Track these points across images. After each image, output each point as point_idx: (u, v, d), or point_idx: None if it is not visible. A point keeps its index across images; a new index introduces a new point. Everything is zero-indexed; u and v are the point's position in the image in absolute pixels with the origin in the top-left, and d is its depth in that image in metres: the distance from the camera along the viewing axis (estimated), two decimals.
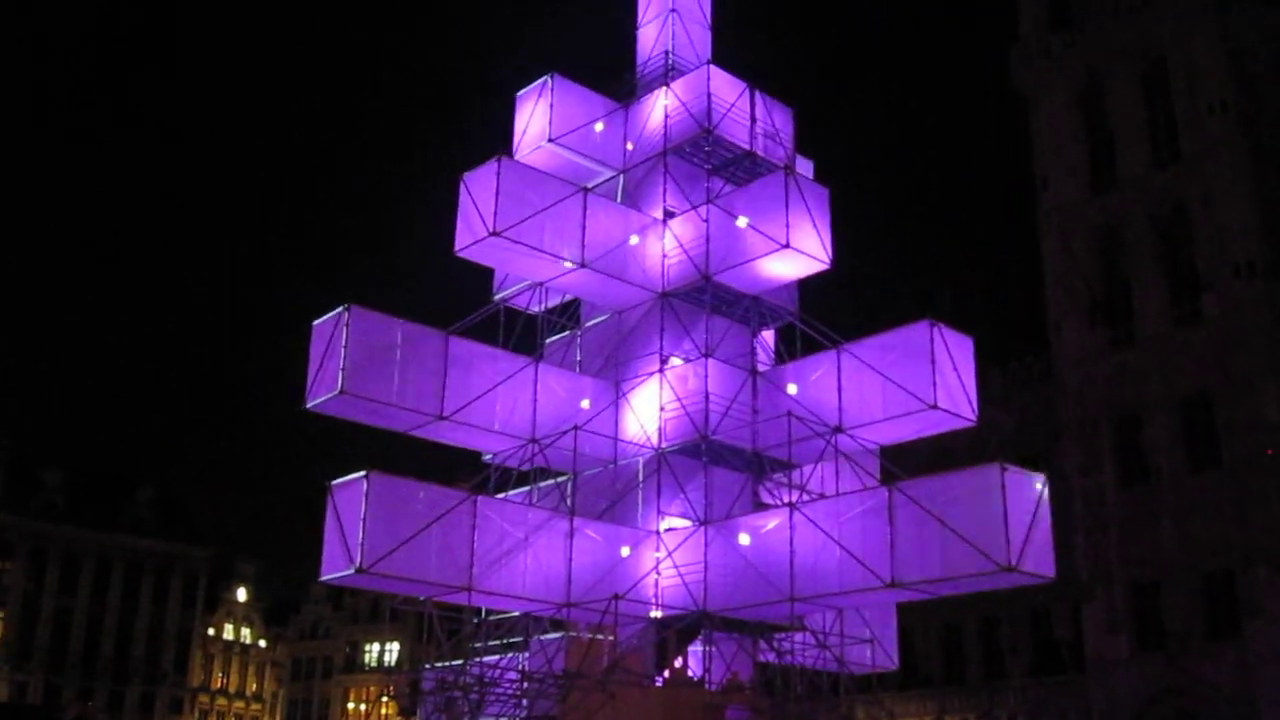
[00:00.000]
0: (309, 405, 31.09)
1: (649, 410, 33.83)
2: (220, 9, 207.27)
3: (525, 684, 30.38)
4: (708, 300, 34.64)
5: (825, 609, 32.17)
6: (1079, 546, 56.27)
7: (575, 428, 32.73)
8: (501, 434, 33.20)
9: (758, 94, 36.91)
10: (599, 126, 37.54)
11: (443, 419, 31.73)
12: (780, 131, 37.35)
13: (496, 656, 33.39)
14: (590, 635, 30.85)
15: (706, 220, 34.43)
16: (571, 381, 34.91)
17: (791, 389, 33.66)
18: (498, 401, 32.75)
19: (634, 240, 34.98)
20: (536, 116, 36.95)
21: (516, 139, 37.58)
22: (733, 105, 36.12)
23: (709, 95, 35.73)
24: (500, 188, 31.86)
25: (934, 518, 27.70)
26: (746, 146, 36.28)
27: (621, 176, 37.60)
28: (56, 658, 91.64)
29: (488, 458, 35.14)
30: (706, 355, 33.60)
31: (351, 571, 27.79)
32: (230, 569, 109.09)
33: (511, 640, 33.94)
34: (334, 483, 28.81)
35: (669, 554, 32.13)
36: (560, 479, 34.66)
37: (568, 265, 33.08)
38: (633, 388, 34.50)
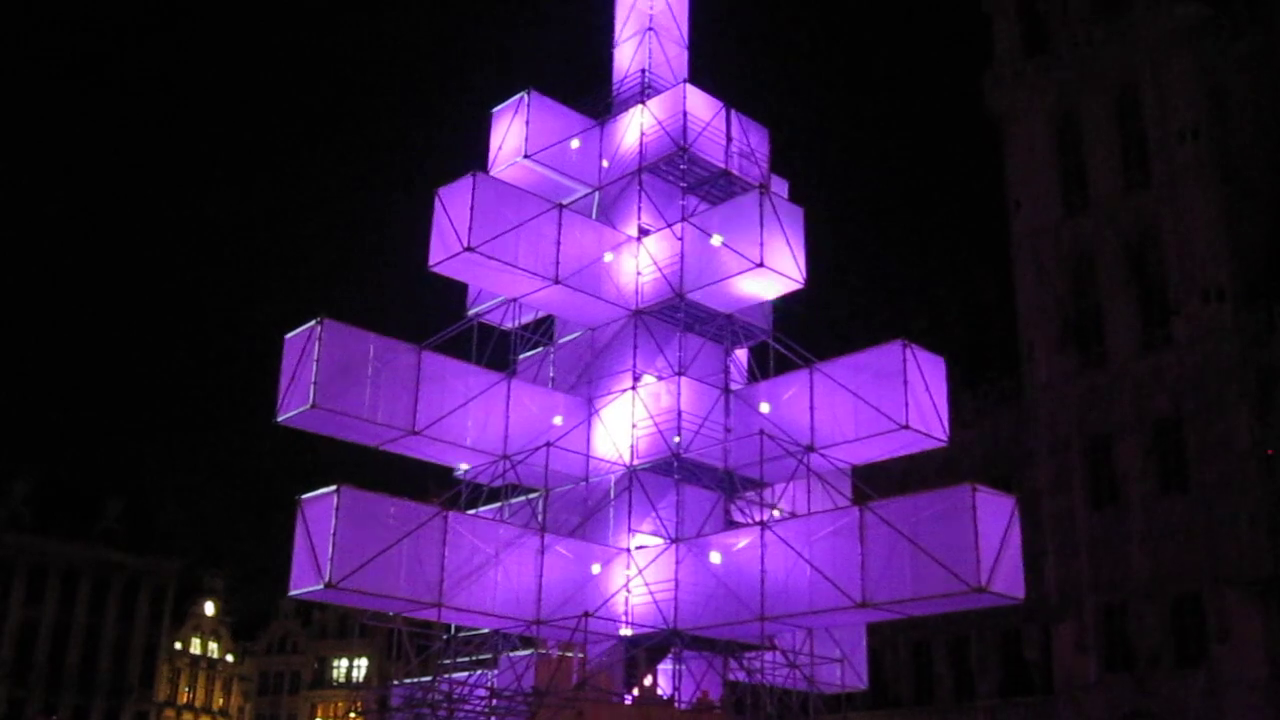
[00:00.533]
0: (280, 419, 30.96)
1: (621, 427, 33.83)
2: (201, 21, 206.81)
3: (494, 701, 30.28)
4: (681, 318, 34.69)
5: (795, 628, 32.17)
6: (1049, 568, 56.49)
7: (547, 444, 32.69)
8: (473, 450, 33.13)
9: (733, 113, 37.06)
10: (575, 143, 37.59)
11: (415, 434, 31.64)
12: (755, 151, 37.50)
13: (466, 673, 33.28)
14: (560, 653, 30.78)
15: (681, 238, 34.50)
16: (544, 398, 34.87)
17: (764, 408, 33.71)
18: (470, 417, 32.69)
19: (608, 257, 35.01)
20: (512, 132, 36.99)
21: (492, 154, 37.60)
22: (708, 124, 36.24)
23: (685, 114, 35.86)
24: (475, 203, 31.86)
25: (905, 538, 27.74)
26: (722, 165, 36.40)
27: (597, 194, 37.67)
28: (21, 670, 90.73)
29: (459, 473, 35.06)
30: (679, 373, 33.63)
31: (320, 587, 27.64)
32: (198, 582, 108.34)
33: (481, 657, 33.82)
34: (304, 497, 28.67)
35: (639, 572, 32.10)
36: (532, 495, 34.58)
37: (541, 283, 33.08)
38: (605, 405, 34.49)
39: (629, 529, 32.96)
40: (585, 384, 35.43)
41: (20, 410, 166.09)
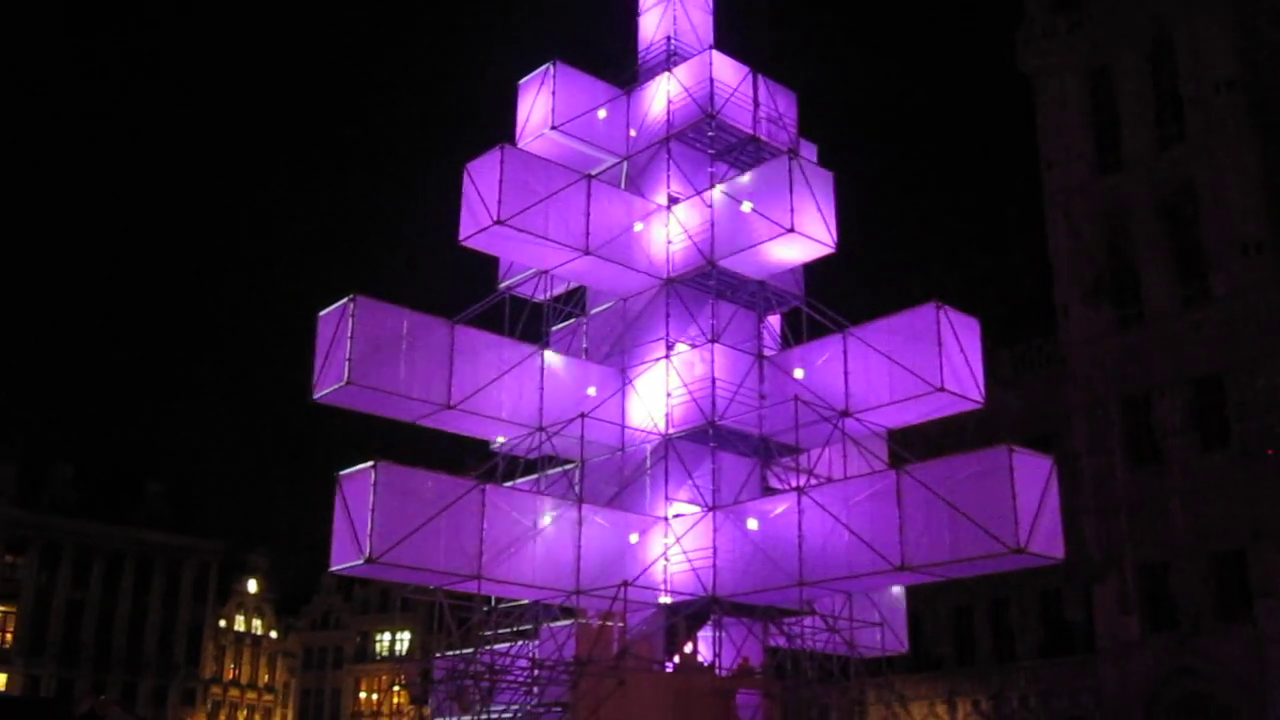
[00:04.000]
0: (316, 396, 31.12)
1: (656, 397, 33.84)
2: None
3: (536, 671, 30.44)
4: (713, 286, 34.61)
5: (834, 593, 32.20)
6: (1088, 528, 56.22)
7: (582, 415, 32.74)
8: (509, 422, 33.20)
9: (760, 78, 36.84)
10: (602, 113, 37.47)
11: (450, 408, 31.74)
12: (783, 115, 37.30)
13: (507, 644, 33.45)
14: (600, 622, 30.90)
15: (711, 205, 34.40)
16: (578, 369, 34.90)
17: (798, 373, 33.63)
18: (504, 390, 32.76)
19: (638, 227, 34.95)
20: (539, 104, 36.91)
21: (519, 127, 37.56)
22: (735, 90, 36.05)
23: (711, 80, 35.67)
24: (504, 176, 31.82)
25: (943, 500, 27.68)
26: (750, 131, 36.23)
27: (625, 163, 37.56)
28: (69, 651, 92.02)
29: (495, 446, 35.18)
30: (712, 341, 33.59)
31: (361, 562, 27.84)
32: (241, 561, 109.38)
33: (521, 628, 34.00)
34: (342, 473, 28.85)
35: (677, 540, 32.17)
36: (568, 466, 34.70)
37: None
38: (639, 374, 34.51)
39: (666, 497, 33.02)
40: (618, 354, 35.45)
41: (60, 395, 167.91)
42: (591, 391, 34.07)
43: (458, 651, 33.42)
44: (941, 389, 30.93)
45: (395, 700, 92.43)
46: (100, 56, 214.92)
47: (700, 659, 32.33)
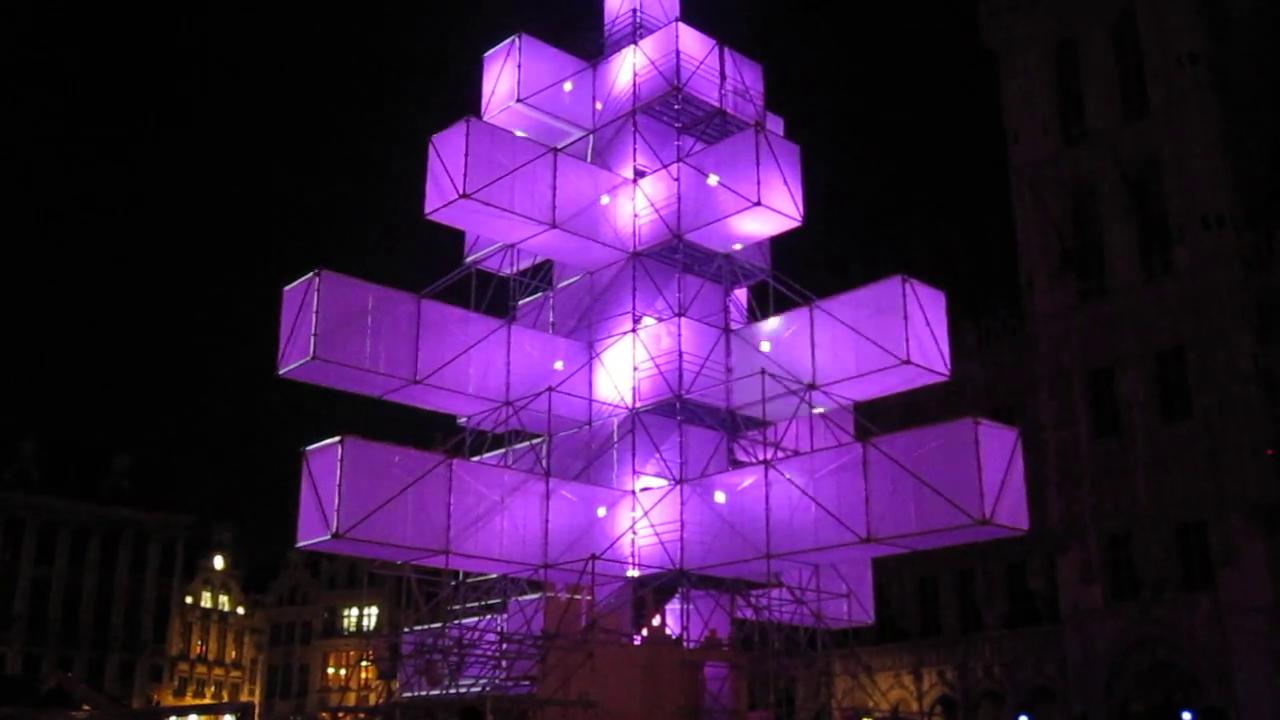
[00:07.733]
0: (282, 371, 30.94)
1: (622, 370, 33.84)
2: None
3: (504, 645, 30.47)
4: (680, 259, 34.58)
5: (801, 565, 32.34)
6: (1053, 499, 56.67)
7: (549, 389, 32.70)
8: (475, 397, 33.14)
9: (727, 51, 36.77)
10: (568, 86, 37.32)
11: (416, 383, 31.61)
12: (750, 89, 37.26)
13: (475, 619, 33.49)
14: (568, 595, 30.94)
15: (677, 179, 34.35)
16: (544, 343, 34.85)
17: (765, 347, 33.69)
18: (471, 364, 32.67)
19: (605, 200, 34.86)
20: (504, 77, 36.72)
21: (485, 100, 37.37)
22: (702, 63, 35.98)
23: (678, 53, 35.60)
24: (469, 149, 31.64)
25: (908, 472, 27.81)
26: (716, 104, 36.18)
27: (591, 136, 37.44)
28: (35, 628, 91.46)
29: (462, 421, 35.12)
30: (679, 314, 33.59)
31: (328, 537, 27.77)
32: (207, 537, 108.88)
33: (490, 602, 34.02)
34: (309, 449, 28.73)
35: (645, 513, 32.23)
36: (535, 441, 34.66)
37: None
38: (606, 348, 34.48)
39: (633, 471, 33.06)
40: (585, 328, 35.40)
41: (25, 369, 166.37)
42: (558, 365, 34.04)
43: (426, 626, 33.44)
44: (908, 362, 31.04)
45: (364, 675, 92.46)
46: (65, 27, 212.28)
47: (668, 631, 32.44)
